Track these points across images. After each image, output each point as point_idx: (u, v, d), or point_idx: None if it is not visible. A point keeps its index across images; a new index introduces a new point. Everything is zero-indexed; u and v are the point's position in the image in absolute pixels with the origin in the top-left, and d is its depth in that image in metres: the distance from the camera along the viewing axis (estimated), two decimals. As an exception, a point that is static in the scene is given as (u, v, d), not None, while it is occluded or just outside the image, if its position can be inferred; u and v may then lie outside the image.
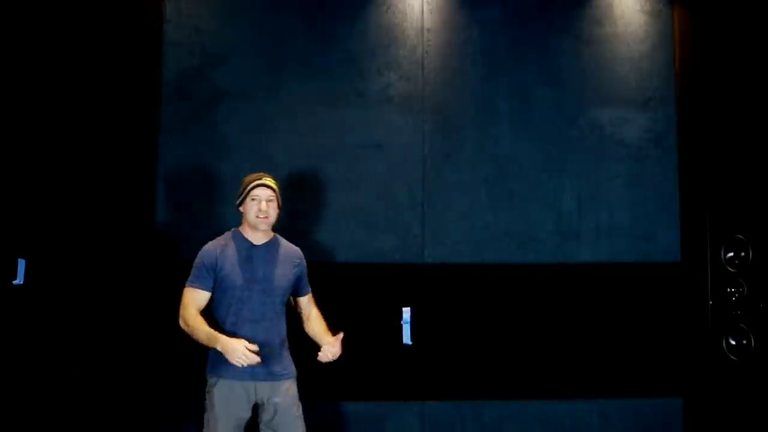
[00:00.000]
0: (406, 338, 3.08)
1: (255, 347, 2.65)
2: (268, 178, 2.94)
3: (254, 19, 3.67)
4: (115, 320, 3.35)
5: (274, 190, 2.92)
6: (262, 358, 2.69)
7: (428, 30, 3.74)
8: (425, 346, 3.53)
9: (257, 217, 2.86)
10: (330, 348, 2.87)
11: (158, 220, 3.50)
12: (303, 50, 3.67)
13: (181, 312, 2.82)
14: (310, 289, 3.08)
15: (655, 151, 3.79)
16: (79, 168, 3.42)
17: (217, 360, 2.75)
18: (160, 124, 3.55)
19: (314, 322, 3.03)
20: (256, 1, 3.69)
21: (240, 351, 2.62)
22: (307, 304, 3.07)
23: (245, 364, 2.63)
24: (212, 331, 2.72)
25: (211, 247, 2.91)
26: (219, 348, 2.66)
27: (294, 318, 3.06)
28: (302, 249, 3.34)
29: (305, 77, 3.65)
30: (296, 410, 2.87)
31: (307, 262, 3.05)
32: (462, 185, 3.68)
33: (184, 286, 2.89)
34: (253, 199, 2.88)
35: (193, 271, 2.88)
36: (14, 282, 3.22)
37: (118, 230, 3.43)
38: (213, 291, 2.87)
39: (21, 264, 3.24)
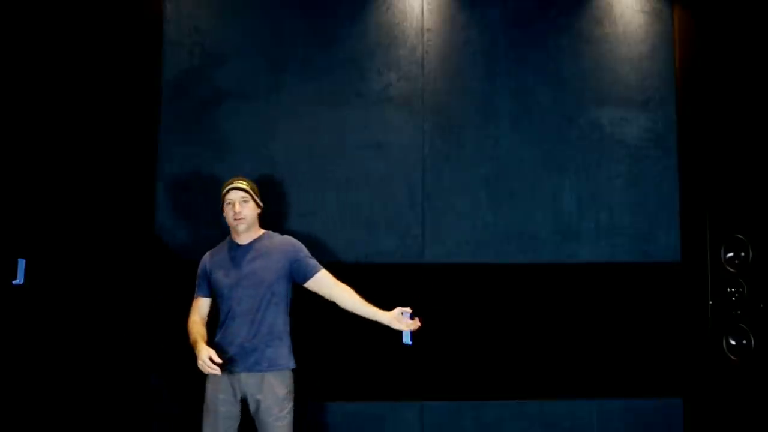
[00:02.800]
0: (406, 338, 3.08)
1: (219, 360, 2.72)
2: (241, 181, 2.99)
3: (254, 19, 3.67)
4: (115, 320, 3.36)
5: (246, 191, 2.96)
6: (245, 351, 2.82)
7: (428, 30, 3.75)
8: (425, 346, 3.53)
9: (234, 219, 2.93)
10: (400, 319, 2.89)
11: (158, 220, 3.50)
12: (303, 50, 3.67)
13: (188, 320, 2.98)
14: (316, 270, 2.98)
15: (655, 151, 3.79)
16: (79, 168, 3.42)
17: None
18: (160, 124, 3.56)
19: (345, 299, 2.96)
20: (256, 1, 3.69)
21: (201, 359, 2.72)
22: (321, 285, 2.98)
23: (205, 372, 2.72)
24: (196, 338, 2.84)
25: (205, 256, 3.07)
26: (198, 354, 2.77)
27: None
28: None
29: (305, 77, 3.65)
30: (278, 411, 2.83)
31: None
32: (462, 185, 3.68)
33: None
34: (227, 204, 2.95)
35: (197, 280, 3.06)
36: (14, 282, 3.22)
37: (117, 230, 3.43)
38: (214, 296, 3.00)
39: (21, 264, 3.24)
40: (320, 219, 3.58)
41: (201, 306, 3.02)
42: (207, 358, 2.70)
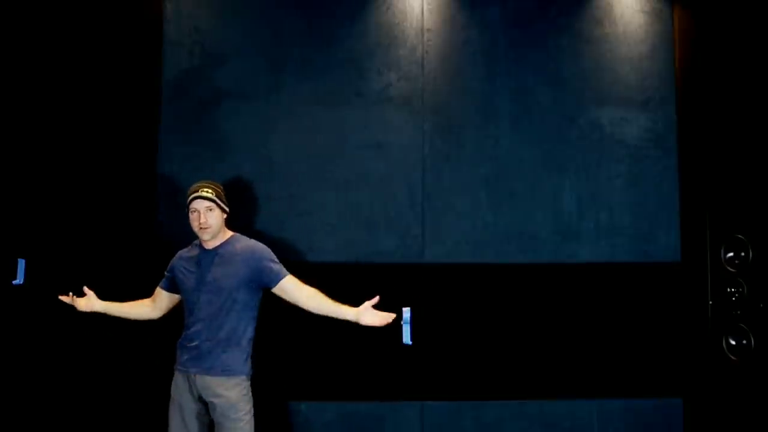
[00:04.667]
0: (406, 338, 3.08)
1: (68, 299, 2.99)
2: (206, 188, 2.91)
3: (254, 19, 3.67)
4: (114, 320, 3.35)
5: (211, 199, 2.89)
6: (201, 353, 2.84)
7: (428, 30, 3.75)
8: (425, 346, 3.53)
9: (200, 228, 2.89)
10: (368, 314, 2.86)
11: (158, 221, 3.50)
12: (303, 50, 3.67)
13: None
14: (281, 276, 2.89)
15: (655, 151, 3.79)
16: (79, 168, 3.42)
17: (176, 353, 2.95)
18: (160, 124, 3.56)
19: (310, 303, 2.90)
20: (256, 1, 3.69)
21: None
22: (285, 291, 2.90)
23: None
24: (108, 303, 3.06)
25: (178, 253, 3.07)
26: None
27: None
28: (302, 249, 3.35)
29: (305, 77, 3.65)
30: (233, 413, 2.81)
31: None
32: (462, 185, 3.68)
33: None
34: (192, 212, 2.90)
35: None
36: (14, 282, 3.22)
37: (118, 230, 3.43)
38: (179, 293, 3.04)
39: (21, 264, 3.24)
40: (320, 219, 3.58)
41: (156, 294, 3.10)
42: (69, 295, 2.98)
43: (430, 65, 3.73)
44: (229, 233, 3.01)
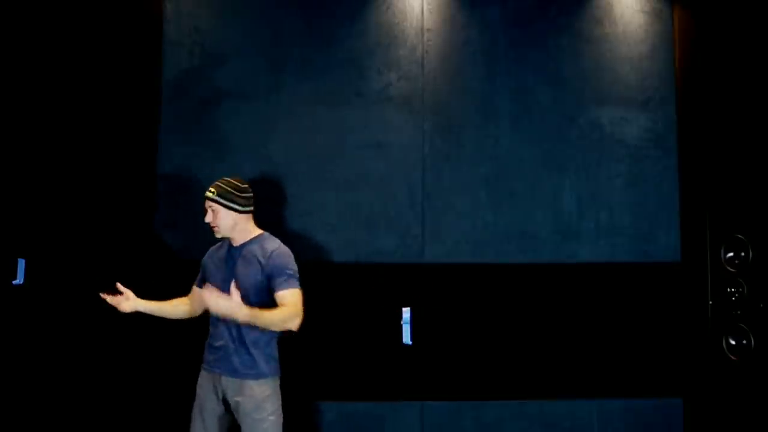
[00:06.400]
0: (406, 338, 3.08)
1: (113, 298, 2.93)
2: (211, 188, 2.91)
3: (254, 19, 3.67)
4: (114, 320, 3.35)
5: (212, 199, 2.89)
6: (226, 354, 2.84)
7: (428, 30, 3.74)
8: (425, 346, 3.53)
9: (211, 227, 2.93)
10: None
11: (158, 220, 3.50)
12: (303, 50, 3.67)
13: None
14: (285, 288, 2.80)
15: (655, 151, 3.79)
16: (79, 168, 3.42)
17: (204, 351, 2.94)
18: (160, 124, 3.56)
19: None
20: (256, 1, 3.69)
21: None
22: (278, 300, 2.82)
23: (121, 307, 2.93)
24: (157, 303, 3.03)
25: (208, 250, 3.07)
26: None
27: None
28: (302, 249, 3.33)
29: (305, 77, 3.65)
30: (258, 413, 2.80)
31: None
32: (462, 185, 3.68)
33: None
34: (205, 213, 2.95)
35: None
36: (14, 282, 3.22)
37: (117, 230, 3.43)
38: None
39: (21, 264, 3.24)
40: (320, 219, 3.58)
41: (192, 293, 3.07)
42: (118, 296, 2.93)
43: (430, 65, 3.73)
44: (257, 232, 2.97)
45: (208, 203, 2.91)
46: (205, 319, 2.95)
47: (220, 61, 3.63)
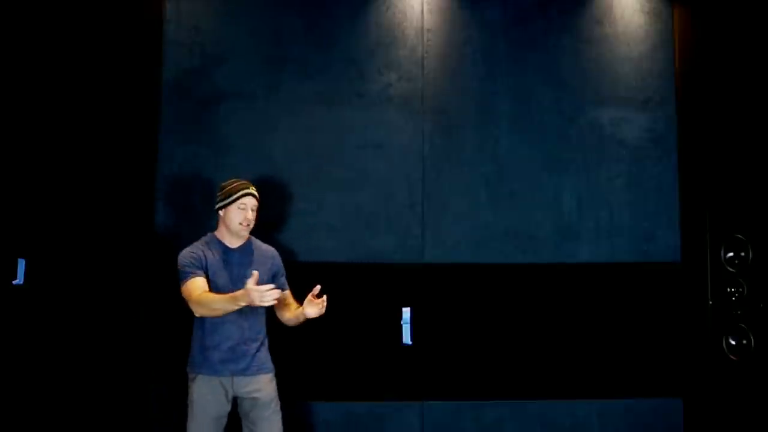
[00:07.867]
0: (406, 338, 3.08)
1: (265, 287, 2.61)
2: (252, 188, 3.00)
3: (254, 19, 3.67)
4: (114, 320, 3.36)
5: (259, 201, 3.01)
6: (237, 354, 2.86)
7: (428, 30, 3.75)
8: (425, 346, 3.53)
9: (241, 224, 2.93)
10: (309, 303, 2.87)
11: (158, 220, 3.50)
12: (303, 50, 3.67)
13: (192, 303, 2.81)
14: (287, 287, 3.09)
15: (655, 151, 3.79)
16: (79, 168, 3.42)
17: (196, 357, 2.90)
18: (160, 124, 3.56)
19: (287, 310, 3.00)
20: (256, 1, 3.69)
21: (258, 293, 2.58)
22: (281, 301, 2.96)
23: (267, 301, 2.59)
24: (223, 296, 2.74)
25: (192, 248, 2.95)
26: (243, 303, 2.65)
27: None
28: (302, 249, 3.34)
29: (305, 77, 3.65)
30: (275, 405, 2.94)
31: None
32: (462, 185, 3.68)
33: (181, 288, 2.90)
34: (240, 208, 2.93)
35: (184, 268, 2.89)
36: (14, 282, 3.22)
37: (117, 230, 3.43)
38: None
39: (21, 264, 3.24)
40: (320, 219, 3.58)
41: (201, 282, 2.83)
42: (264, 288, 2.58)
43: (430, 65, 3.73)
44: (248, 235, 3.06)
45: (253, 201, 2.96)
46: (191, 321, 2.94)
47: (220, 61, 3.63)
